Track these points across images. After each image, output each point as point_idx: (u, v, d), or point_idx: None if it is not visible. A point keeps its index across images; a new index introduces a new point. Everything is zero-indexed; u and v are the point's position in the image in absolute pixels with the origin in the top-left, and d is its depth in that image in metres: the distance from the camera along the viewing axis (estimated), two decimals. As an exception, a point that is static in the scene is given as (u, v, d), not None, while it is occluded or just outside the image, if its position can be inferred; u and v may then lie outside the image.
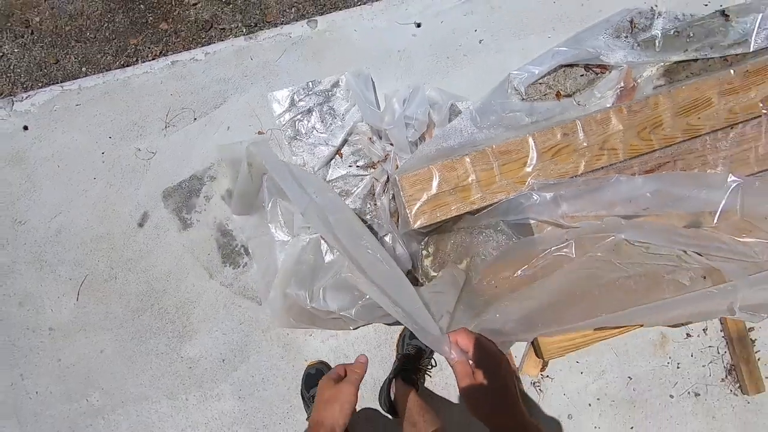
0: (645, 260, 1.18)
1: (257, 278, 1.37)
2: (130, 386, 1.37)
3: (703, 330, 1.45)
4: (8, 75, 1.54)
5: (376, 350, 1.40)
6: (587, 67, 1.44)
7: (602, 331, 1.31)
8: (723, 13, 1.46)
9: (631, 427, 1.41)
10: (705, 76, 1.28)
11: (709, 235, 1.19)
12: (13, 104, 1.39)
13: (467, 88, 1.42)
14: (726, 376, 1.43)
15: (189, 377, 1.38)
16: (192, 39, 1.56)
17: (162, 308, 1.38)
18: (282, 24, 1.49)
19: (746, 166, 1.27)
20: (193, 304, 1.39)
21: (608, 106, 1.37)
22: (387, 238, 1.36)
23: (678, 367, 1.43)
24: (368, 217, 1.40)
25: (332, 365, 1.39)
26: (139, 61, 1.50)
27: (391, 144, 1.37)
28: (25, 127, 1.39)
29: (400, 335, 1.40)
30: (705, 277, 1.18)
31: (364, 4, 1.46)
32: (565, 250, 1.17)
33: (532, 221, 1.26)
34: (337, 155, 1.41)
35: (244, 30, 1.55)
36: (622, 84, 1.42)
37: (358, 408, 1.34)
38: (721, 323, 1.46)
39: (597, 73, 1.45)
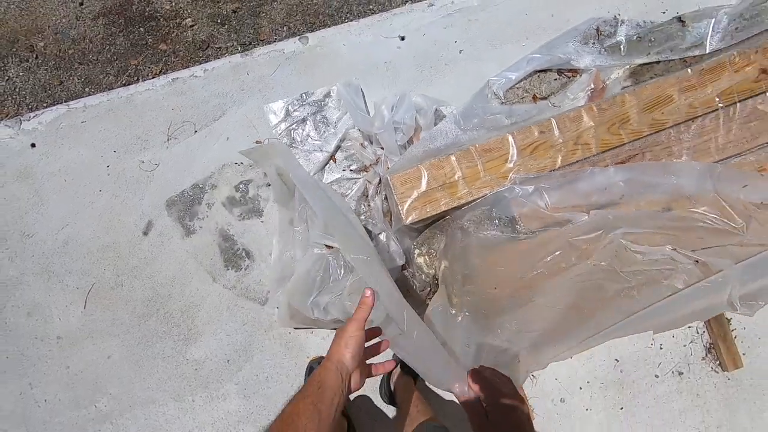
0: (644, 267, 1.27)
1: (272, 269, 1.42)
2: (138, 390, 1.41)
3: (682, 312, 1.54)
4: (14, 97, 1.61)
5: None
6: (559, 71, 1.56)
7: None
8: (680, 20, 1.60)
9: (621, 408, 1.48)
10: (666, 76, 1.40)
11: (693, 216, 1.29)
12: (21, 123, 1.46)
13: (450, 94, 1.53)
14: (706, 355, 1.52)
15: (195, 379, 1.42)
16: (190, 58, 1.65)
17: (167, 312, 1.43)
18: (275, 41, 1.59)
19: (708, 156, 1.38)
20: (197, 307, 1.44)
21: (580, 105, 1.48)
22: (381, 236, 1.44)
23: (661, 348, 1.51)
24: (362, 217, 1.48)
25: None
26: (140, 80, 1.59)
27: (382, 148, 1.46)
28: (33, 145, 1.46)
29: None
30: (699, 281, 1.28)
31: (351, 20, 1.58)
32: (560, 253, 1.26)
33: (516, 214, 1.35)
34: (331, 160, 1.50)
35: (239, 48, 1.65)
36: (592, 86, 1.54)
37: (357, 395, 1.39)
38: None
39: (569, 77, 1.57)
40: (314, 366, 1.41)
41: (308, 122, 1.49)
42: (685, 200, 1.29)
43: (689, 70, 1.38)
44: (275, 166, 1.30)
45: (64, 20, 1.66)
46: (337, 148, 1.49)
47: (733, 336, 1.51)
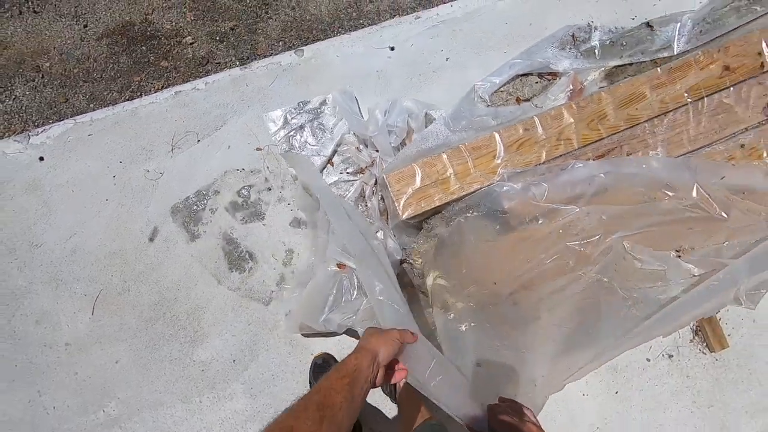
0: (641, 283, 1.33)
1: (297, 273, 1.48)
2: (146, 393, 1.44)
3: (668, 297, 1.61)
4: (20, 115, 1.68)
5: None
6: (540, 75, 1.67)
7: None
8: (648, 25, 1.72)
9: (616, 392, 1.54)
10: (638, 75, 1.51)
11: (679, 207, 1.37)
12: (29, 138, 1.52)
13: (439, 98, 1.62)
14: (693, 337, 1.59)
15: (202, 380, 1.45)
16: (190, 73, 1.74)
17: (174, 316, 1.47)
18: (272, 55, 1.68)
19: (681, 147, 1.48)
20: (203, 309, 1.48)
21: (561, 104, 1.58)
22: (379, 234, 1.51)
23: (650, 333, 1.58)
24: (361, 217, 1.54)
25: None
26: (143, 95, 1.66)
27: (377, 150, 1.54)
28: (41, 158, 1.52)
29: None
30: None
31: (344, 33, 1.68)
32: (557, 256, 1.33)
33: (506, 207, 1.43)
34: (329, 164, 1.57)
35: (238, 63, 1.74)
36: (571, 87, 1.64)
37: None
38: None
39: (549, 80, 1.67)
40: (318, 362, 1.45)
41: (306, 129, 1.57)
42: (666, 189, 1.38)
43: (659, 69, 1.49)
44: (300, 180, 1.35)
45: (69, 41, 1.74)
46: (334, 152, 1.57)
47: (718, 318, 1.58)
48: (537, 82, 1.67)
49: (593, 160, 1.45)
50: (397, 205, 1.37)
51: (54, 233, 1.49)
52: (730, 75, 1.50)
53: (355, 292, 1.29)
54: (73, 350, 1.44)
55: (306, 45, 1.67)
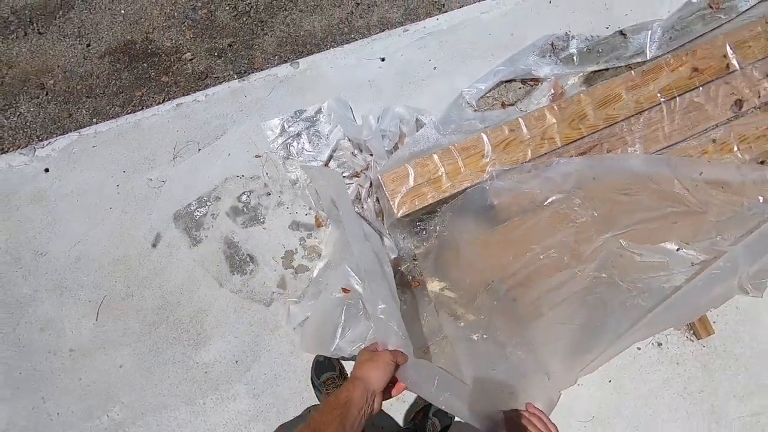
0: (643, 274, 1.36)
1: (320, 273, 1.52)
2: (149, 397, 1.46)
3: (655, 287, 1.68)
4: (25, 131, 1.73)
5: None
6: (523, 81, 1.77)
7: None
8: (621, 33, 1.84)
9: (610, 381, 1.59)
10: (614, 78, 1.61)
11: (661, 205, 1.44)
12: (35, 151, 1.58)
13: (428, 105, 1.71)
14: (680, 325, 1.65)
15: (205, 381, 1.48)
16: (190, 87, 1.81)
17: (177, 319, 1.51)
18: (269, 68, 1.76)
19: (657, 143, 1.57)
20: (205, 312, 1.52)
21: (543, 106, 1.67)
22: (375, 234, 1.56)
23: (639, 322, 1.64)
24: (357, 218, 1.60)
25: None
26: (145, 109, 1.73)
27: (371, 154, 1.61)
28: (46, 170, 1.57)
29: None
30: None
31: (336, 47, 1.77)
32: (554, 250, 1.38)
33: (496, 203, 1.50)
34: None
35: (235, 77, 1.82)
36: (552, 91, 1.74)
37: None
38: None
39: (531, 85, 1.77)
40: (320, 359, 1.49)
41: (303, 136, 1.65)
42: (647, 181, 1.46)
43: (633, 72, 1.60)
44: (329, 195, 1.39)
45: (72, 60, 1.81)
46: (330, 157, 1.64)
47: (702, 305, 1.65)
48: (520, 88, 1.76)
49: (576, 157, 1.53)
50: (392, 203, 1.43)
51: (59, 242, 1.52)
52: (698, 76, 1.60)
53: (362, 320, 1.30)
54: (77, 356, 1.47)
55: (301, 58, 1.75)
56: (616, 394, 1.57)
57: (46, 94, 1.77)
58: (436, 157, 1.47)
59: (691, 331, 1.65)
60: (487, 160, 1.49)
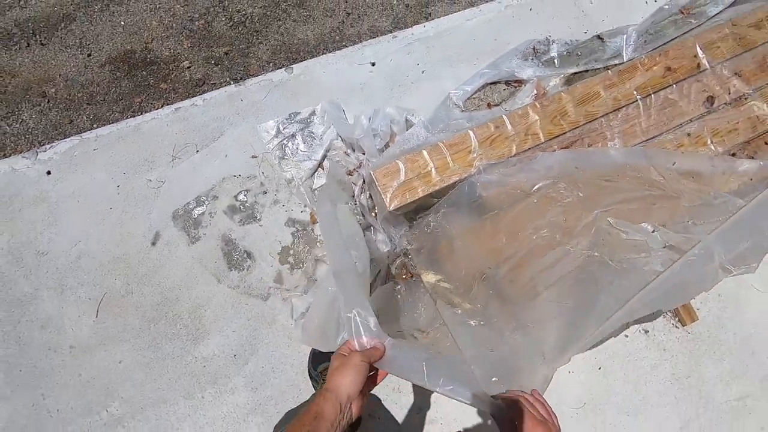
0: (627, 254, 1.44)
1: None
2: (149, 391, 1.48)
3: (639, 277, 1.74)
4: (27, 137, 1.78)
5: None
6: (507, 82, 1.86)
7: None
8: (599, 37, 1.94)
9: (599, 368, 1.63)
10: (592, 77, 1.70)
11: (640, 188, 1.52)
12: (37, 155, 1.63)
13: (417, 106, 1.78)
14: (666, 312, 1.70)
15: (203, 375, 1.50)
16: (188, 94, 1.88)
17: (176, 315, 1.54)
18: (264, 74, 1.84)
19: (635, 137, 1.65)
20: (203, 307, 1.55)
21: (526, 104, 1.76)
22: (369, 230, 1.62)
23: (626, 310, 1.69)
24: (351, 214, 1.66)
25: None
26: (144, 114, 1.79)
27: (363, 153, 1.68)
28: (48, 172, 1.61)
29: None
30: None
31: (329, 52, 1.85)
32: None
33: (485, 195, 1.56)
34: (320, 168, 1.70)
35: (232, 83, 1.89)
36: (535, 92, 1.83)
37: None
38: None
39: (515, 87, 1.86)
40: (317, 352, 1.52)
41: (297, 137, 1.71)
42: (626, 170, 1.54)
43: (609, 71, 1.69)
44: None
45: (73, 69, 1.87)
46: (324, 156, 1.70)
47: (686, 293, 1.71)
48: (505, 89, 1.85)
49: (559, 151, 1.61)
50: (384, 197, 1.49)
51: (60, 241, 1.56)
52: (671, 74, 1.70)
53: None
54: (77, 353, 1.49)
55: (295, 63, 1.83)
56: (605, 381, 1.61)
57: (48, 101, 1.83)
58: (425, 153, 1.54)
59: (677, 318, 1.70)
60: (474, 155, 1.56)
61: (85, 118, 1.81)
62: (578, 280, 1.42)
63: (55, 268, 1.54)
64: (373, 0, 2.03)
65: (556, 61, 1.89)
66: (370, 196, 1.68)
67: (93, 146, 1.65)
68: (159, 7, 1.97)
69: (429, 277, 1.50)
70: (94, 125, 1.80)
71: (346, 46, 1.95)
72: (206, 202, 1.64)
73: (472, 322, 1.39)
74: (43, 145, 1.75)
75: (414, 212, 1.63)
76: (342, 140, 1.70)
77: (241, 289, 1.58)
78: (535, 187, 1.48)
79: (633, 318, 1.43)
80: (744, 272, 1.39)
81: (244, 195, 1.66)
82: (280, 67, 1.91)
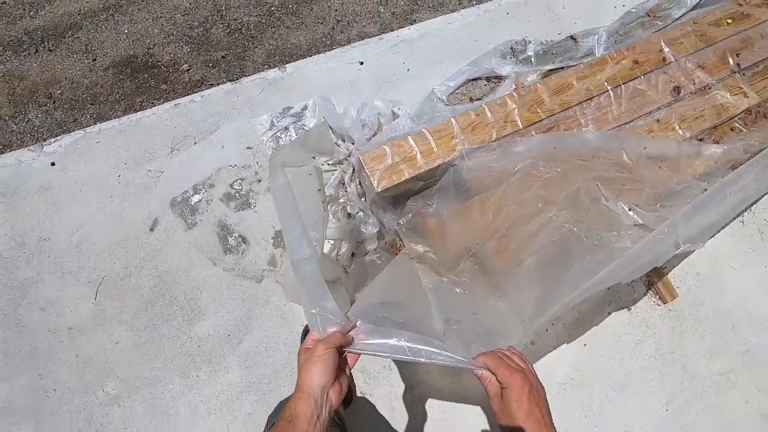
0: (601, 231, 1.52)
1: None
2: (145, 371, 1.51)
3: (620, 257, 1.80)
4: (32, 134, 1.87)
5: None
6: (488, 79, 1.98)
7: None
8: (572, 38, 2.09)
9: (585, 344, 1.67)
10: (565, 69, 1.82)
11: (613, 169, 1.61)
12: (42, 147, 1.71)
13: (403, 101, 1.89)
14: (647, 290, 1.76)
15: (198, 355, 1.54)
16: (187, 94, 1.98)
17: (172, 296, 1.59)
18: (259, 72, 1.96)
19: (608, 124, 1.76)
20: (199, 289, 1.61)
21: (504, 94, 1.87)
22: (360, 214, 1.70)
23: (608, 289, 1.75)
24: (342, 200, 1.74)
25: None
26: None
27: (353, 143, 1.77)
28: (53, 164, 1.70)
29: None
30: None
31: (319, 53, 1.98)
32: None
33: (469, 178, 1.65)
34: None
35: (228, 83, 2.01)
36: (514, 86, 1.95)
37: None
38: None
39: (495, 83, 1.98)
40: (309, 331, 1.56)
41: (290, 129, 1.81)
42: (600, 151, 1.64)
43: (581, 64, 1.81)
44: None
45: (78, 72, 1.99)
46: (316, 147, 1.79)
47: (665, 271, 1.77)
48: (485, 85, 1.97)
49: (537, 135, 1.71)
50: (372, 179, 1.57)
51: (62, 228, 1.63)
52: (639, 67, 1.82)
53: None
54: (75, 334, 1.53)
55: (288, 63, 1.95)
56: (591, 357, 1.66)
57: (54, 102, 1.93)
58: (410, 139, 1.63)
59: (657, 296, 1.76)
60: (457, 140, 1.66)
61: (88, 116, 1.91)
62: (557, 252, 1.49)
63: (57, 253, 1.60)
64: (361, 8, 2.18)
65: (533, 59, 2.02)
66: (360, 184, 1.76)
67: (96, 139, 1.74)
68: (160, 17, 2.11)
69: (417, 248, 1.56)
70: (97, 123, 1.89)
71: (335, 48, 2.08)
72: (203, 190, 1.72)
73: (457, 290, 1.45)
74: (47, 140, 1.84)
75: (403, 197, 1.70)
76: (332, 131, 1.80)
77: (236, 272, 1.64)
78: (516, 168, 1.57)
79: (600, 288, 1.50)
80: (692, 248, 1.47)
81: (240, 183, 1.74)
82: (274, 68, 2.03)
